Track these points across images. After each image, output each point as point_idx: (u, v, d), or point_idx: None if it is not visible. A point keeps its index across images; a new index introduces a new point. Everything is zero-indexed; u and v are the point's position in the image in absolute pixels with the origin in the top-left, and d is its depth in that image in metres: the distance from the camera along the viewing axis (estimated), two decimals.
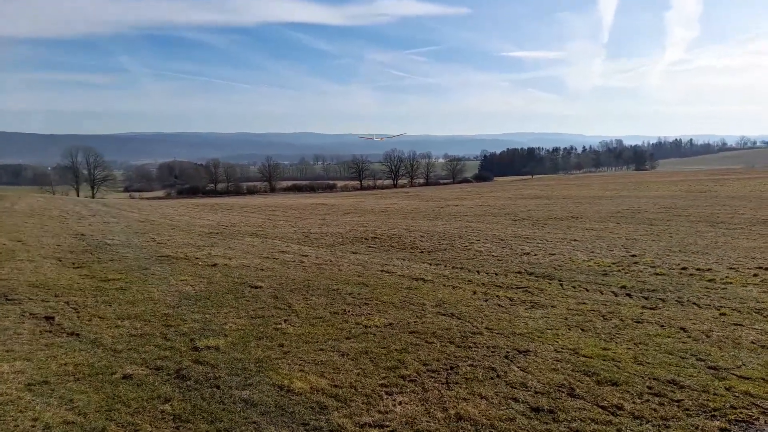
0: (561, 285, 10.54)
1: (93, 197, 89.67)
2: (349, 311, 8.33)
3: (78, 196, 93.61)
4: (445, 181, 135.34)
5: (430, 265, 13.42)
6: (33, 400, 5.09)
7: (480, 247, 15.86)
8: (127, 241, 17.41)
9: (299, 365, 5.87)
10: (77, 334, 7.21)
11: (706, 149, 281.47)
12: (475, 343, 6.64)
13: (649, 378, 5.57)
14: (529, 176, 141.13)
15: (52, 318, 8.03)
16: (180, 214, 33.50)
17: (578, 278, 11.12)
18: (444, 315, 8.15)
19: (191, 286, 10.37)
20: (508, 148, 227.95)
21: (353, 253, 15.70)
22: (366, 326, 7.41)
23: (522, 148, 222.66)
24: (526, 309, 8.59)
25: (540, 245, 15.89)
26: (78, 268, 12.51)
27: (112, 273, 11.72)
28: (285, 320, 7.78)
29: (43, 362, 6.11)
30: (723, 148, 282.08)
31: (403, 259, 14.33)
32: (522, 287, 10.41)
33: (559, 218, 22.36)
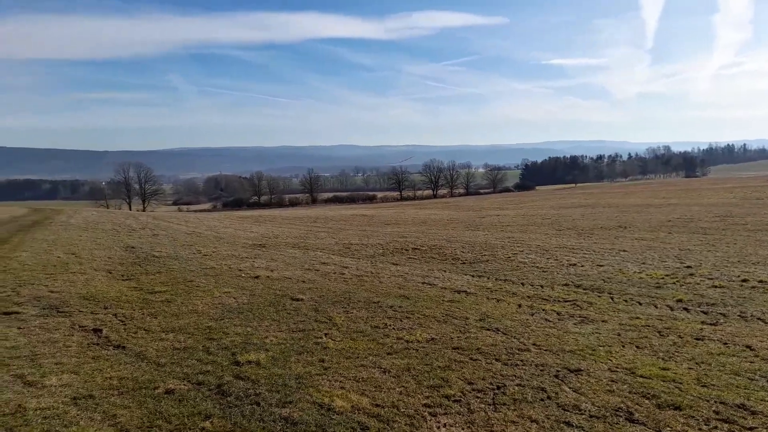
0: (611, 298, 10.02)
1: (144, 210, 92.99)
2: (390, 325, 8.12)
3: (130, 209, 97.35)
4: (486, 190, 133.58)
5: (472, 276, 13.07)
6: (78, 415, 5.10)
7: (524, 259, 15.38)
8: (174, 254, 17.77)
9: (340, 382, 5.69)
10: (123, 347, 7.28)
11: (761, 154, 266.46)
12: (522, 361, 6.30)
13: (716, 402, 5.11)
14: (573, 185, 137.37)
15: (100, 330, 8.15)
16: (225, 227, 34.15)
17: (630, 291, 10.56)
18: (488, 330, 7.83)
19: (234, 298, 10.39)
20: (549, 157, 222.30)
21: (394, 264, 15.51)
22: (408, 341, 7.17)
23: (564, 157, 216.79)
24: (575, 324, 8.16)
25: (587, 256, 15.28)
26: (127, 280, 12.79)
27: (159, 285, 11.90)
28: (325, 334, 7.63)
29: (90, 375, 6.16)
30: None
31: (445, 271, 14.03)
32: (570, 301, 9.95)
33: (605, 228, 21.53)
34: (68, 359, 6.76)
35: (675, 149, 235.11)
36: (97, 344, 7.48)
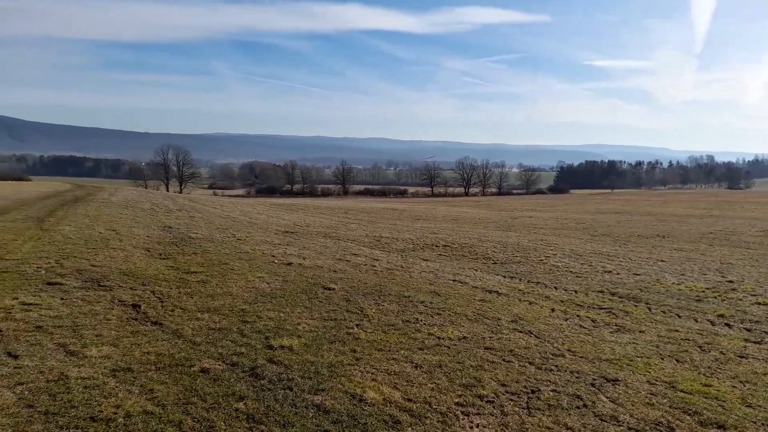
0: (649, 308, 9.72)
1: (180, 192, 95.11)
2: (421, 320, 8.05)
3: (167, 190, 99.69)
4: (519, 191, 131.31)
5: (504, 277, 12.89)
6: (116, 387, 5.21)
7: (557, 262, 15.09)
8: (209, 236, 18.07)
9: (372, 374, 5.65)
10: (160, 324, 7.41)
11: None
12: (557, 366, 6.15)
13: (763, 424, 4.88)
14: (609, 190, 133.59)
15: (139, 306, 8.33)
16: (258, 213, 34.59)
17: (668, 302, 10.23)
18: (521, 332, 7.68)
19: (267, 283, 10.49)
20: (586, 160, 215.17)
21: (424, 260, 15.42)
22: (439, 338, 7.10)
23: (602, 161, 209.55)
24: (611, 332, 7.94)
25: (623, 264, 14.89)
26: (164, 259, 13.06)
27: (195, 266, 12.11)
28: (357, 325, 7.62)
29: (128, 349, 6.29)
30: None
31: (476, 270, 13.88)
32: (605, 308, 9.69)
33: (643, 236, 20.95)
34: (108, 332, 6.92)
35: (718, 159, 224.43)
36: (136, 319, 7.64)
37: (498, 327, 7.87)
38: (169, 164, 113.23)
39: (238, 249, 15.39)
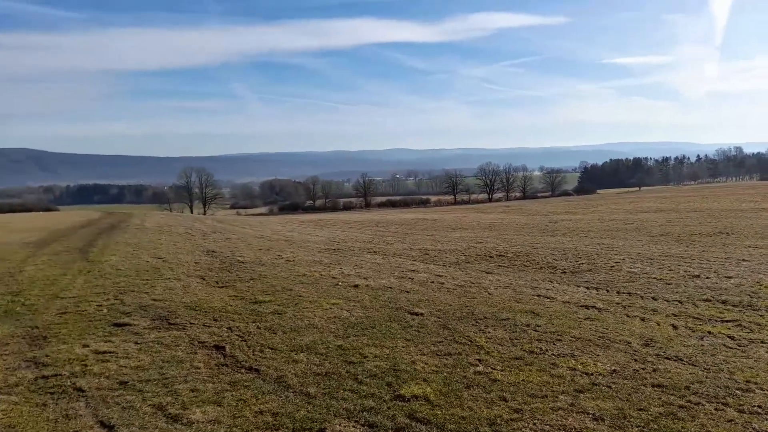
0: None
1: (204, 214, 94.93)
2: (546, 350, 6.88)
3: (191, 212, 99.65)
4: (543, 194, 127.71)
5: (587, 289, 11.65)
6: None
7: (631, 268, 13.80)
8: (257, 259, 17.06)
9: None
10: (256, 370, 6.34)
11: None
12: (760, 407, 4.94)
13: None
14: (637, 188, 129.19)
15: (223, 348, 7.27)
16: (289, 230, 33.65)
17: None
18: (669, 359, 6.48)
19: (346, 311, 9.39)
20: (611, 159, 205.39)
21: (487, 273, 14.23)
22: (587, 373, 5.92)
23: (627, 159, 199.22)
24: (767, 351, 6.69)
25: (705, 266, 13.55)
26: (223, 287, 12.05)
27: (260, 294, 11.06)
28: (479, 360, 6.48)
29: (236, 408, 5.21)
30: None
31: (551, 281, 12.66)
32: (730, 321, 8.43)
33: (704, 234, 19.53)
34: (203, 385, 5.86)
35: (747, 150, 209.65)
36: (226, 365, 6.57)
37: (638, 354, 6.66)
38: (192, 186, 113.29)
39: (293, 272, 14.34)
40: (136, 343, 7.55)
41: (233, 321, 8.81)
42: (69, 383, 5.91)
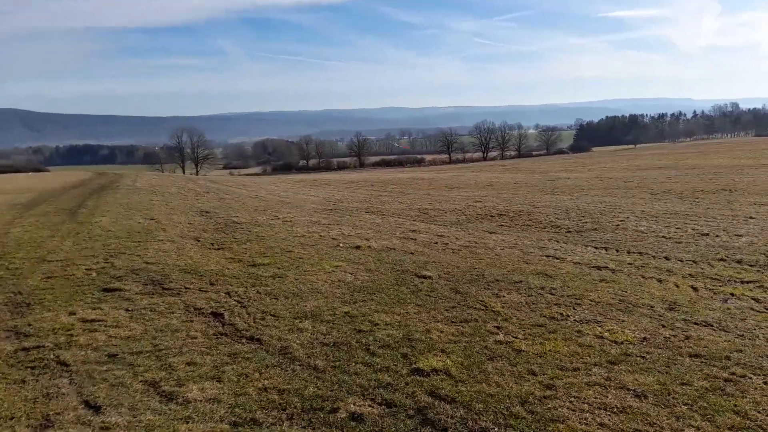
0: None
1: (197, 174, 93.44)
2: (569, 315, 6.38)
3: (183, 173, 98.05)
4: (539, 152, 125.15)
5: (596, 249, 11.16)
6: None
7: (638, 226, 13.32)
8: (252, 220, 16.41)
9: (590, 414, 3.98)
10: (258, 340, 5.80)
11: None
12: None
13: None
14: (632, 146, 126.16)
15: (221, 315, 6.72)
16: (284, 190, 32.92)
17: None
18: (697, 324, 6.00)
19: (350, 274, 8.83)
20: (606, 116, 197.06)
21: (490, 233, 13.71)
22: (616, 342, 5.43)
23: (623, 116, 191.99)
24: None
25: (712, 224, 13.09)
26: (219, 249, 11.43)
27: (258, 256, 10.47)
28: (497, 327, 5.97)
29: (237, 384, 4.68)
30: None
31: (557, 241, 12.16)
32: (751, 281, 7.98)
33: (706, 191, 19.06)
34: (201, 357, 5.31)
35: (743, 106, 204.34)
36: (225, 334, 6.03)
37: (665, 320, 6.18)
38: (184, 147, 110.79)
39: (291, 232, 13.73)
40: (127, 310, 6.98)
41: (231, 285, 8.24)
42: (52, 356, 5.34)
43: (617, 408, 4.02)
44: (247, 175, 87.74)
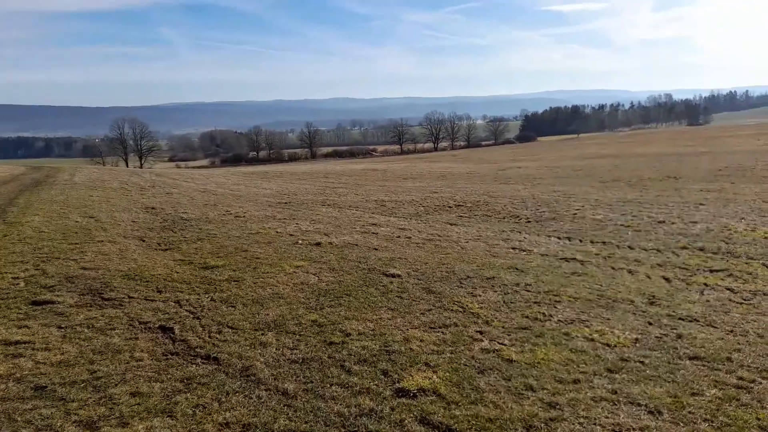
0: (765, 266, 7.97)
1: (141, 167, 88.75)
2: (551, 315, 5.94)
3: (127, 166, 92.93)
4: (487, 142, 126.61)
5: (559, 239, 10.93)
6: None
7: (595, 215, 13.27)
8: (203, 216, 15.28)
9: None
10: (215, 359, 5.01)
11: (764, 101, 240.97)
12: None
13: None
14: (575, 135, 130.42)
15: (171, 330, 5.85)
16: (234, 183, 31.48)
17: None
18: (682, 320, 5.71)
19: (313, 274, 8.10)
20: (550, 107, 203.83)
21: (451, 224, 13.30)
22: (609, 345, 5.01)
23: (566, 106, 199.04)
24: None
25: (665, 211, 13.21)
26: (167, 250, 10.39)
27: (210, 257, 9.53)
28: (480, 332, 5.44)
29: (193, 419, 3.90)
30: None
31: (519, 232, 11.87)
32: (719, 270, 7.87)
33: (653, 179, 19.45)
34: (148, 386, 4.48)
35: (676, 97, 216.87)
36: (177, 353, 5.19)
37: (650, 316, 5.86)
38: (126, 138, 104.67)
39: (245, 229, 12.78)
40: (60, 327, 5.97)
41: (181, 292, 7.33)
42: None
43: (634, 429, 3.55)
44: (196, 167, 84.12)
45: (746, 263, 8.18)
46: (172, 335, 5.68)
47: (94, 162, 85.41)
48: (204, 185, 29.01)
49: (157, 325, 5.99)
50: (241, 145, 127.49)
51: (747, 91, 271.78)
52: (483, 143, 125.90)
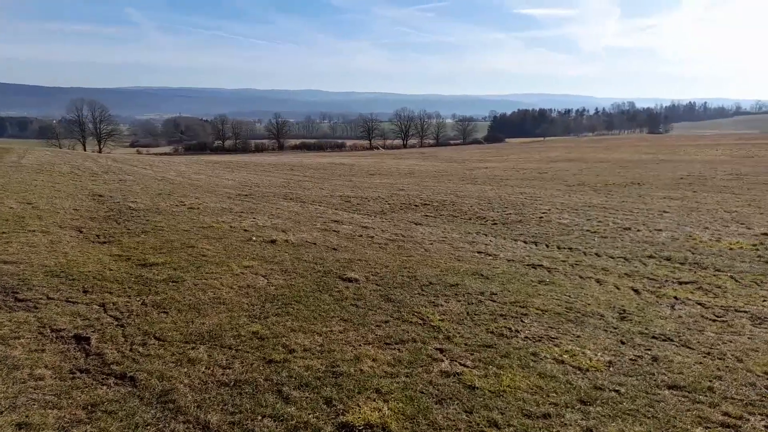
0: (733, 279, 7.69)
1: (100, 152, 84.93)
2: (518, 331, 5.40)
3: (84, 150, 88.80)
4: (455, 141, 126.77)
5: (525, 243, 10.50)
6: None
7: (561, 219, 12.96)
8: (153, 206, 14.25)
9: None
10: (132, 379, 4.24)
11: (721, 113, 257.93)
12: None
13: None
14: (541, 138, 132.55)
15: (87, 340, 5.03)
16: (195, 173, 30.21)
17: (738, 266, 8.29)
18: (655, 338, 5.26)
19: (263, 277, 7.35)
20: (518, 109, 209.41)
21: (416, 224, 12.74)
22: (580, 369, 4.50)
23: (533, 109, 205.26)
24: (752, 324, 5.73)
25: (631, 218, 13.00)
26: (105, 243, 9.43)
27: (151, 252, 8.64)
28: (440, 351, 4.85)
29: None
30: (738, 112, 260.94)
31: (485, 234, 11.39)
32: (688, 282, 7.53)
33: (617, 184, 19.39)
34: (41, 414, 3.68)
35: (639, 105, 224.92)
36: (87, 371, 4.39)
37: (622, 334, 5.39)
38: (85, 121, 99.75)
39: (197, 222, 11.89)
40: None
41: (110, 294, 6.47)
42: None
43: None
44: (158, 154, 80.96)
45: (714, 275, 7.89)
46: (86, 347, 4.87)
47: (50, 144, 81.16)
48: (163, 173, 27.66)
49: (71, 334, 5.16)
50: (207, 134, 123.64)
51: (705, 102, 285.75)
52: (452, 142, 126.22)
